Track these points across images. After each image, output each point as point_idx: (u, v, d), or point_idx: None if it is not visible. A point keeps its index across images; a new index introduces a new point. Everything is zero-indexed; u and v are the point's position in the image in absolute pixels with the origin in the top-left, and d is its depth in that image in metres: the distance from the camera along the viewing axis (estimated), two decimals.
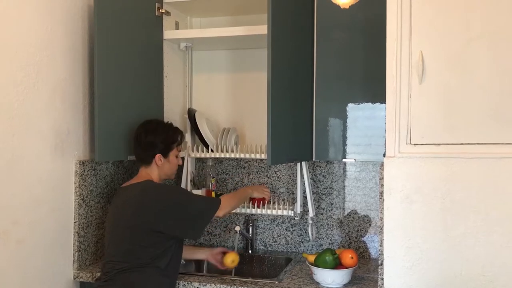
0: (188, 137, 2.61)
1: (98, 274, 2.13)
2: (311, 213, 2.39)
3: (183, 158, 2.50)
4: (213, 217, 2.09)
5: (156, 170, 2.14)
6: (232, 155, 2.45)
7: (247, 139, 2.69)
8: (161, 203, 2.00)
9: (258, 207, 2.45)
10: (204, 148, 2.53)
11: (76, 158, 2.21)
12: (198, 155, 2.53)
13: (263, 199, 2.44)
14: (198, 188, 2.59)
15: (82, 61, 2.25)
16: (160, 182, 2.16)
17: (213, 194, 2.56)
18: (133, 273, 1.94)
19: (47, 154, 2.05)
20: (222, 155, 2.46)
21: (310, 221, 2.40)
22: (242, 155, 2.42)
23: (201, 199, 2.20)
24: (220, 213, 2.09)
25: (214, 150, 2.49)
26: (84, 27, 2.26)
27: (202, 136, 2.52)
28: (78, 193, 2.19)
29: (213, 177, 2.63)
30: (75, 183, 2.19)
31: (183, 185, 2.59)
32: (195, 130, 2.53)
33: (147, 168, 2.14)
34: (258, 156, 2.40)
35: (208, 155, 2.51)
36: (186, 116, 2.61)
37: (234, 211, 2.46)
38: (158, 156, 2.12)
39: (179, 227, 2.01)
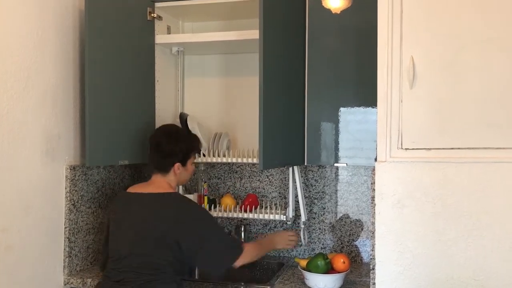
0: None
1: (89, 280, 2.11)
2: (303, 218, 2.39)
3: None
4: (231, 264, 1.98)
5: (173, 178, 2.07)
6: (224, 160, 2.44)
7: (239, 143, 2.68)
8: (194, 226, 1.93)
9: (250, 211, 2.45)
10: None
11: (67, 163, 2.20)
12: None
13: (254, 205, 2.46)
14: (190, 193, 2.58)
15: (73, 66, 2.24)
16: (175, 190, 2.11)
17: (205, 198, 2.55)
18: (158, 285, 1.89)
19: (38, 159, 2.04)
20: (214, 160, 2.46)
21: (302, 226, 2.40)
22: (234, 160, 2.42)
23: (226, 237, 2.09)
24: (238, 262, 1.98)
25: (206, 154, 2.49)
26: (75, 31, 2.25)
27: None
28: (68, 198, 2.18)
29: (205, 182, 2.62)
30: (65, 188, 2.17)
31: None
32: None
33: (163, 176, 2.05)
34: (250, 160, 2.39)
35: (200, 160, 2.50)
36: (178, 120, 2.60)
37: (226, 215, 2.46)
38: (177, 165, 2.05)
39: (200, 255, 1.93)
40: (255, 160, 2.38)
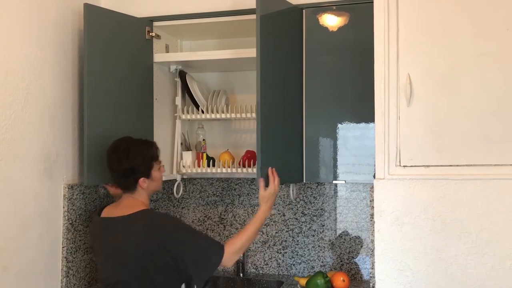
0: (178, 100, 2.60)
1: None
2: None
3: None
4: (217, 266, 1.87)
5: (143, 193, 1.97)
6: (223, 116, 2.43)
7: (238, 159, 2.68)
8: (171, 235, 1.87)
9: None
10: (195, 109, 2.52)
11: (65, 182, 2.19)
12: (188, 117, 2.51)
13: None
14: (189, 150, 2.57)
15: (71, 85, 2.25)
16: (147, 204, 2.01)
17: (204, 156, 2.53)
18: None
19: (35, 178, 2.03)
20: (213, 116, 2.45)
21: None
22: (233, 115, 2.41)
23: (206, 238, 1.96)
24: (227, 262, 1.88)
25: (204, 111, 2.47)
26: (74, 50, 2.26)
27: (193, 97, 2.51)
28: (66, 217, 2.17)
29: (203, 139, 2.62)
30: (63, 207, 2.16)
31: (174, 148, 2.57)
32: (187, 91, 2.53)
33: (132, 194, 1.97)
34: (249, 115, 2.38)
35: (198, 117, 2.49)
36: (177, 79, 2.61)
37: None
38: (141, 180, 1.94)
39: (189, 260, 1.86)
40: (253, 115, 2.35)
